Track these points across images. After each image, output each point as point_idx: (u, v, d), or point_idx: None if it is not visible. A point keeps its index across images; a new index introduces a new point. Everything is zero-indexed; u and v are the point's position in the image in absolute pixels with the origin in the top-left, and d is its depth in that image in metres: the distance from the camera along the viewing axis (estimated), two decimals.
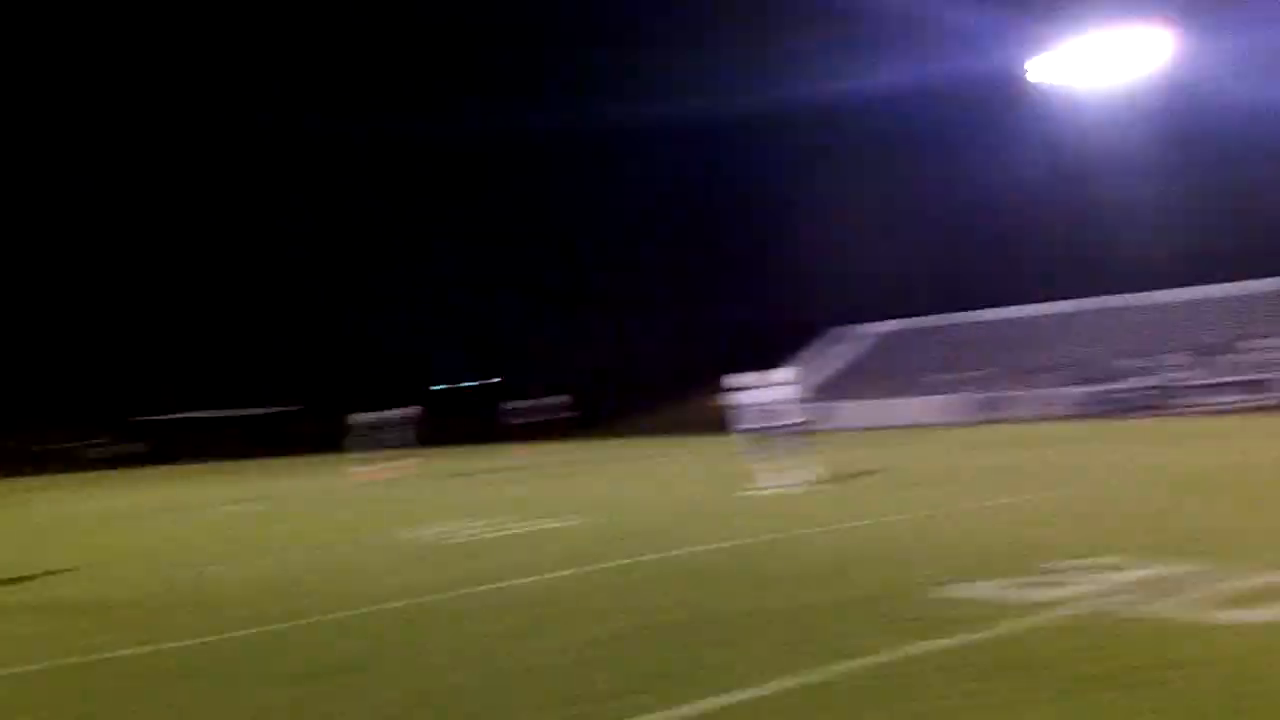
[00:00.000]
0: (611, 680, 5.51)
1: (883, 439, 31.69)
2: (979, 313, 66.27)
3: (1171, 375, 46.08)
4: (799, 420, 16.49)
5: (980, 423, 41.41)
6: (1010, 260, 63.00)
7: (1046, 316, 67.47)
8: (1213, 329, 55.81)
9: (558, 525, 13.22)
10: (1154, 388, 45.11)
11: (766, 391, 16.39)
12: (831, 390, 57.62)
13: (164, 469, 49.47)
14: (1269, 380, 38.59)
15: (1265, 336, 46.16)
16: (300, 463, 43.62)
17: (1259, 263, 56.53)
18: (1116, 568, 7.45)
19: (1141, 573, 7.20)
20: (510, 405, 47.03)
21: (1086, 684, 4.79)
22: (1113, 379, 50.40)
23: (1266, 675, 4.81)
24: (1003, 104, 58.01)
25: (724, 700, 4.93)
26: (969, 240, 63.35)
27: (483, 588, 8.85)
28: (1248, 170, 54.36)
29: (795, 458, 16.03)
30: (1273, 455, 16.55)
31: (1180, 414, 36.86)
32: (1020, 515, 11.21)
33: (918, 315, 64.36)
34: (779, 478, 15.80)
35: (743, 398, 16.54)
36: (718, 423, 17.55)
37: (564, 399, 47.75)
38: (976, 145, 61.30)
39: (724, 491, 16.16)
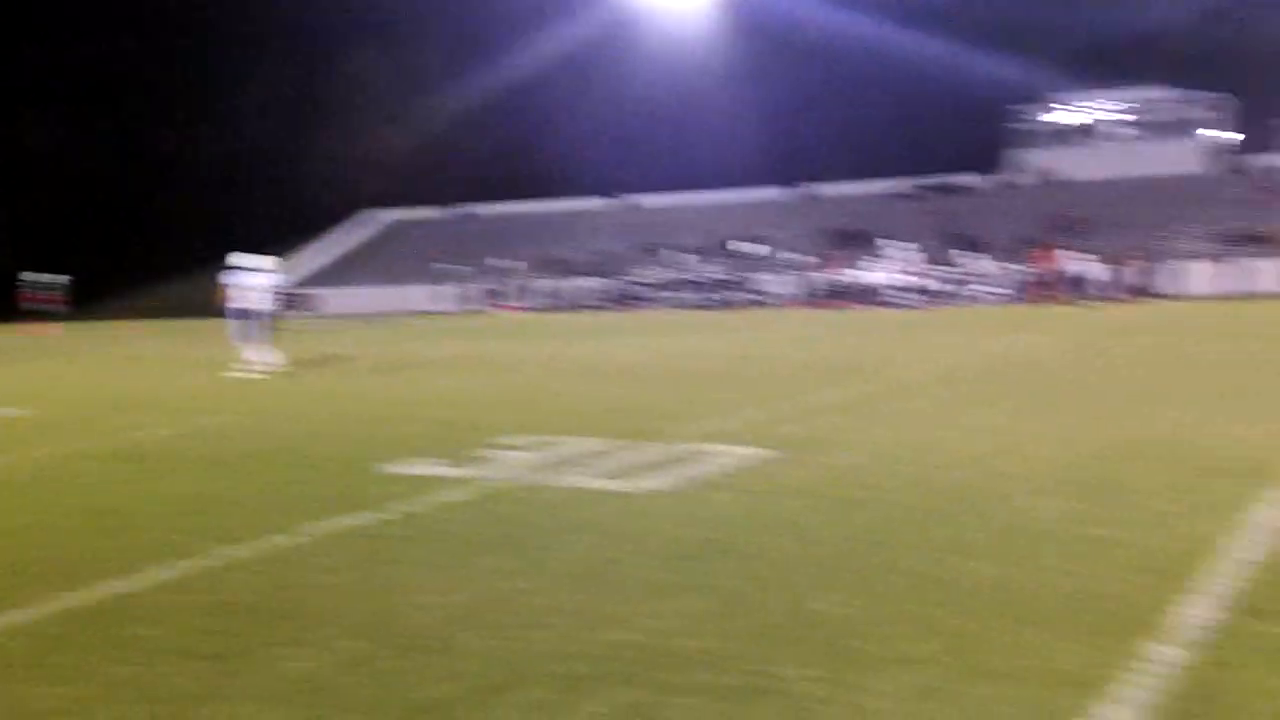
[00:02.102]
0: None
1: (369, 326, 32.97)
2: (503, 205, 70.12)
3: (670, 273, 50.77)
4: (277, 306, 17.63)
5: (482, 312, 43.90)
6: (533, 156, 66.57)
7: (570, 212, 72.31)
8: (714, 231, 62.06)
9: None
10: (660, 284, 49.75)
11: (253, 276, 17.27)
12: (339, 275, 58.20)
13: None
14: (738, 280, 43.37)
15: (756, 240, 51.85)
16: None
17: (778, 173, 63.93)
18: (541, 445, 8.32)
19: (560, 450, 8.13)
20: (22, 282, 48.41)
21: (477, 549, 5.36)
22: (624, 273, 54.97)
23: (634, 535, 5.59)
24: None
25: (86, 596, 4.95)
26: (496, 135, 66.13)
27: None
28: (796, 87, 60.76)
29: (269, 343, 16.95)
30: (723, 347, 18.81)
31: (675, 308, 40.54)
32: (471, 399, 12.24)
33: (441, 204, 66.98)
34: (252, 362, 16.75)
35: (232, 280, 17.34)
36: (214, 307, 17.99)
37: (66, 278, 49.65)
38: (510, 43, 63.73)
39: (196, 376, 16.99)
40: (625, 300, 49.16)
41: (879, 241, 44.26)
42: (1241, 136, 62.69)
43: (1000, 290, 39.95)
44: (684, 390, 11.87)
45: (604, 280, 55.57)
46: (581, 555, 5.30)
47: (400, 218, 71.30)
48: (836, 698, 3.53)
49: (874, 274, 38.36)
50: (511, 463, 7.74)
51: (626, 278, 52.97)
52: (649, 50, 72.72)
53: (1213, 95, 62.88)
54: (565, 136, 71.33)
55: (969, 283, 40.34)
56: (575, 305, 50.78)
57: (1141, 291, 39.93)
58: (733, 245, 50.77)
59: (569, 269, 61.98)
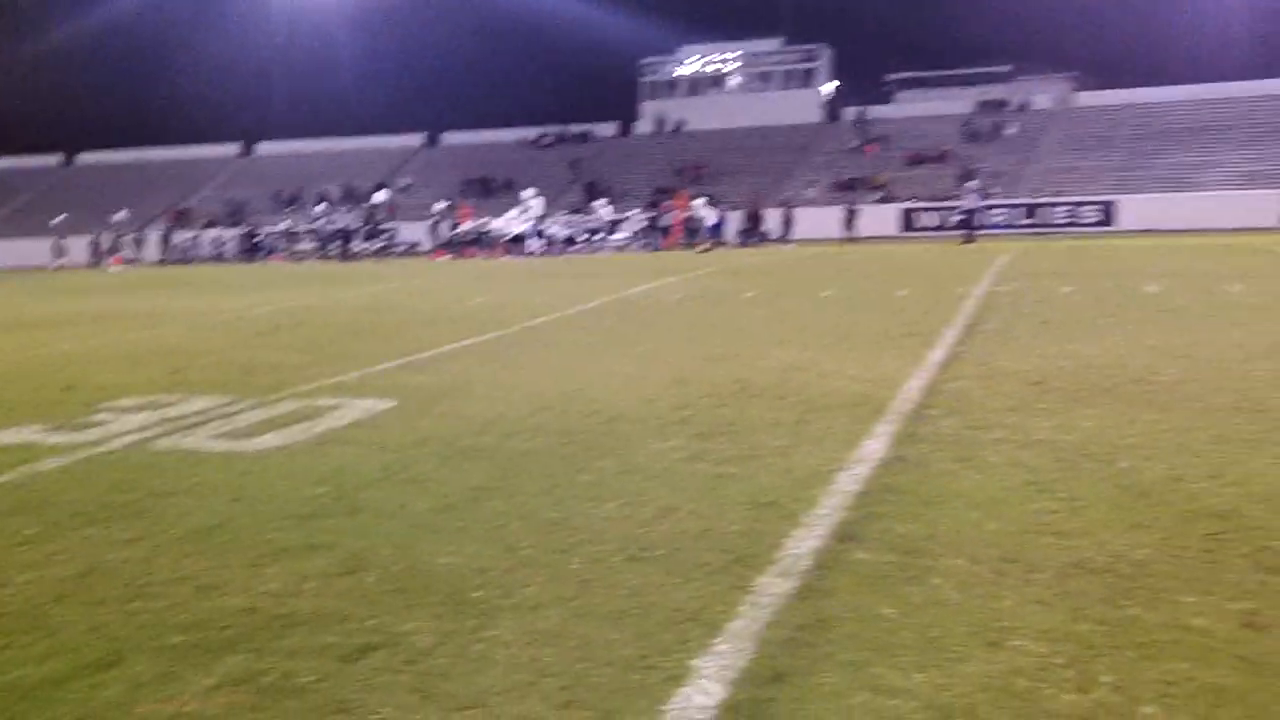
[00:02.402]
0: None
1: None
2: (122, 153, 66.23)
3: (302, 223, 49.30)
4: None
5: (100, 266, 41.38)
6: (155, 102, 63.24)
7: (197, 160, 69.04)
8: (349, 179, 60.95)
9: None
10: (292, 233, 48.26)
11: None
12: None
13: None
14: (372, 230, 42.67)
15: (391, 188, 51.19)
16: None
17: (413, 121, 63.08)
18: (155, 406, 7.81)
19: (176, 411, 7.65)
20: None
21: (79, 520, 4.95)
22: (255, 224, 53.03)
23: (250, 496, 5.33)
24: None
25: None
26: (109, 79, 62.41)
27: None
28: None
29: None
30: (355, 297, 18.41)
31: (307, 259, 39.34)
32: (82, 358, 11.28)
33: (49, 152, 62.56)
34: None
35: None
36: None
37: None
38: None
39: None
40: (255, 251, 47.24)
41: (516, 192, 44.39)
42: (836, 84, 66.93)
43: (632, 238, 40.96)
44: (312, 343, 11.47)
45: (233, 231, 53.33)
46: (193, 520, 4.98)
47: (5, 166, 65.93)
48: (448, 647, 3.45)
49: (510, 222, 38.40)
50: (122, 426, 7.20)
51: (257, 228, 50.95)
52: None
53: (815, 47, 66.64)
54: (191, 81, 67.79)
55: (604, 231, 41.14)
56: (202, 257, 48.39)
57: (763, 237, 41.98)
58: (371, 194, 49.67)
59: (196, 219, 59.28)
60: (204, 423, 7.25)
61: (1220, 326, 9.95)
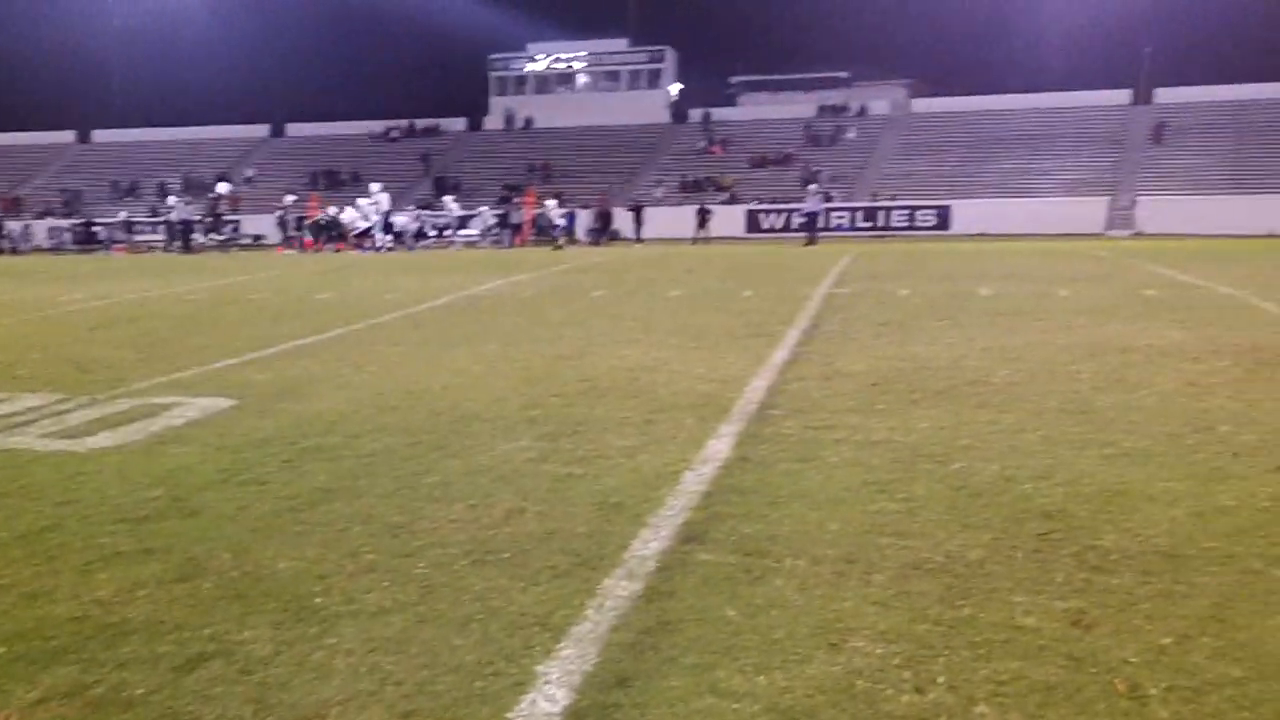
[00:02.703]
0: None
1: None
2: None
3: (141, 213, 47.84)
4: None
5: None
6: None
7: (29, 147, 66.26)
8: (192, 169, 59.34)
9: None
10: (130, 224, 46.83)
11: None
12: None
13: None
14: (215, 221, 41.51)
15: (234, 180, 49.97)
16: None
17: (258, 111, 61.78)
18: None
19: (9, 407, 7.37)
20: None
21: None
22: (90, 214, 51.20)
23: (81, 498, 5.12)
24: None
25: None
26: None
27: None
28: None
29: None
30: (195, 291, 17.89)
31: (146, 251, 38.10)
32: None
33: None
34: None
35: None
36: None
37: None
38: None
39: None
40: (90, 242, 45.49)
41: (364, 185, 43.68)
42: (680, 86, 67.58)
43: (482, 234, 40.68)
44: (149, 339, 11.08)
45: (67, 220, 51.36)
46: (20, 523, 4.76)
47: None
48: (287, 656, 3.36)
49: (357, 216, 37.72)
50: None
51: (92, 218, 49.11)
52: None
53: (660, 48, 67.16)
54: (24, 66, 65.14)
55: (453, 226, 40.76)
56: (32, 248, 46.37)
57: (613, 235, 42.08)
58: (213, 185, 48.32)
59: (29, 208, 56.94)
60: (34, 421, 6.95)
61: (1049, 330, 10.29)
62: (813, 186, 40.82)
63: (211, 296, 16.25)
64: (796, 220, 44.33)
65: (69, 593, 3.93)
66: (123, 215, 48.61)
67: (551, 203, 40.80)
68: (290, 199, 40.99)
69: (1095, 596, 3.71)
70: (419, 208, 42.95)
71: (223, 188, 39.48)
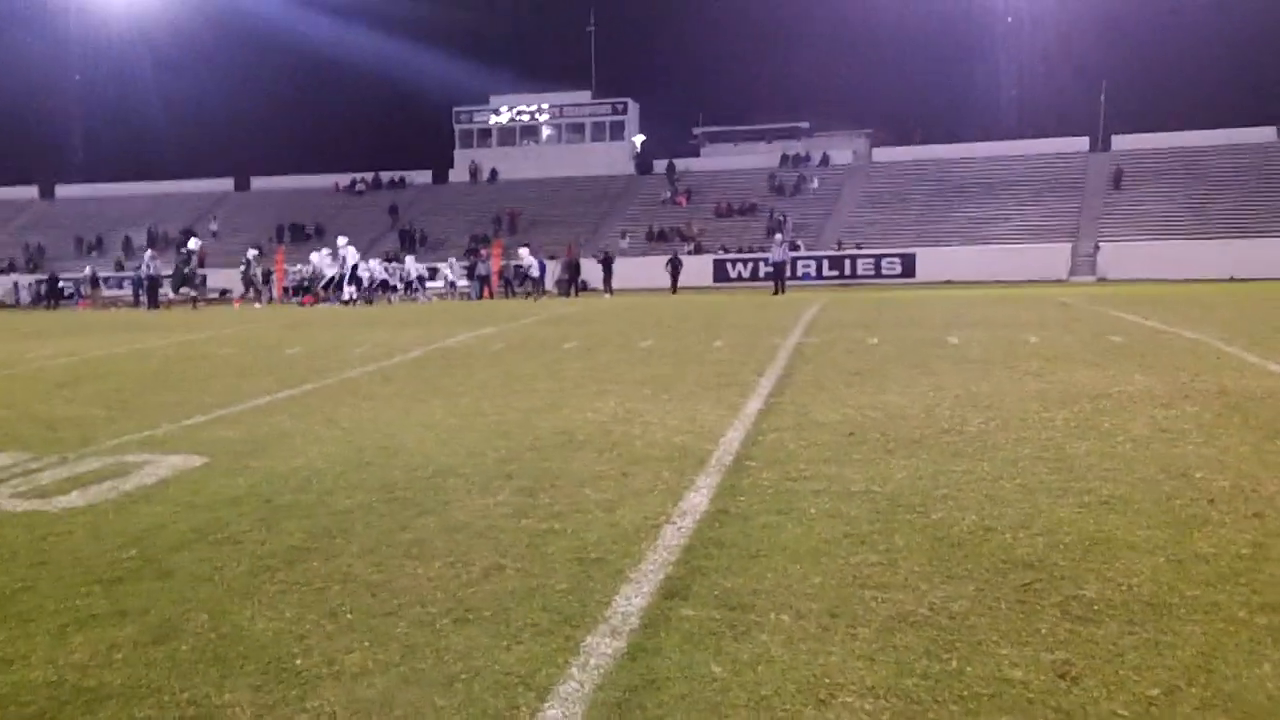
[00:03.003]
0: None
1: None
2: None
3: (106, 268, 47.56)
4: None
5: None
6: None
7: (2, 202, 65.97)
8: (157, 224, 59.09)
9: None
10: (94, 280, 46.54)
11: None
12: None
13: None
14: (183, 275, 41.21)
15: (197, 235, 49.81)
16: None
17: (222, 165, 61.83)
18: None
19: None
20: None
21: None
22: (53, 269, 50.78)
23: (50, 560, 5.04)
24: None
25: None
26: None
27: None
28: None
29: None
30: (163, 347, 17.76)
31: (111, 306, 37.81)
32: None
33: None
34: None
35: None
36: None
37: None
38: None
39: None
40: (54, 298, 45.08)
41: (330, 238, 43.64)
42: (642, 138, 68.06)
43: (448, 287, 40.66)
44: (118, 396, 10.95)
45: (29, 276, 50.99)
46: None
47: None
48: (268, 719, 3.31)
49: (325, 265, 37.61)
50: None
51: (56, 273, 48.73)
52: (81, 34, 67.49)
53: (623, 100, 67.67)
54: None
55: (423, 278, 40.72)
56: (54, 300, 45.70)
57: (582, 286, 42.16)
58: (181, 241, 48.08)
59: None
60: (4, 480, 6.86)
61: (1019, 376, 10.34)
62: (779, 236, 41.05)
63: (179, 352, 16.13)
64: (764, 270, 44.57)
65: (44, 657, 3.86)
66: (88, 270, 48.30)
67: (523, 250, 40.84)
68: (253, 253, 40.79)
69: (1081, 647, 3.70)
70: (385, 260, 42.89)
71: (193, 243, 39.14)
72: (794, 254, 43.51)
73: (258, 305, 35.94)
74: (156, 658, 3.83)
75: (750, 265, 48.76)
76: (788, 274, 38.19)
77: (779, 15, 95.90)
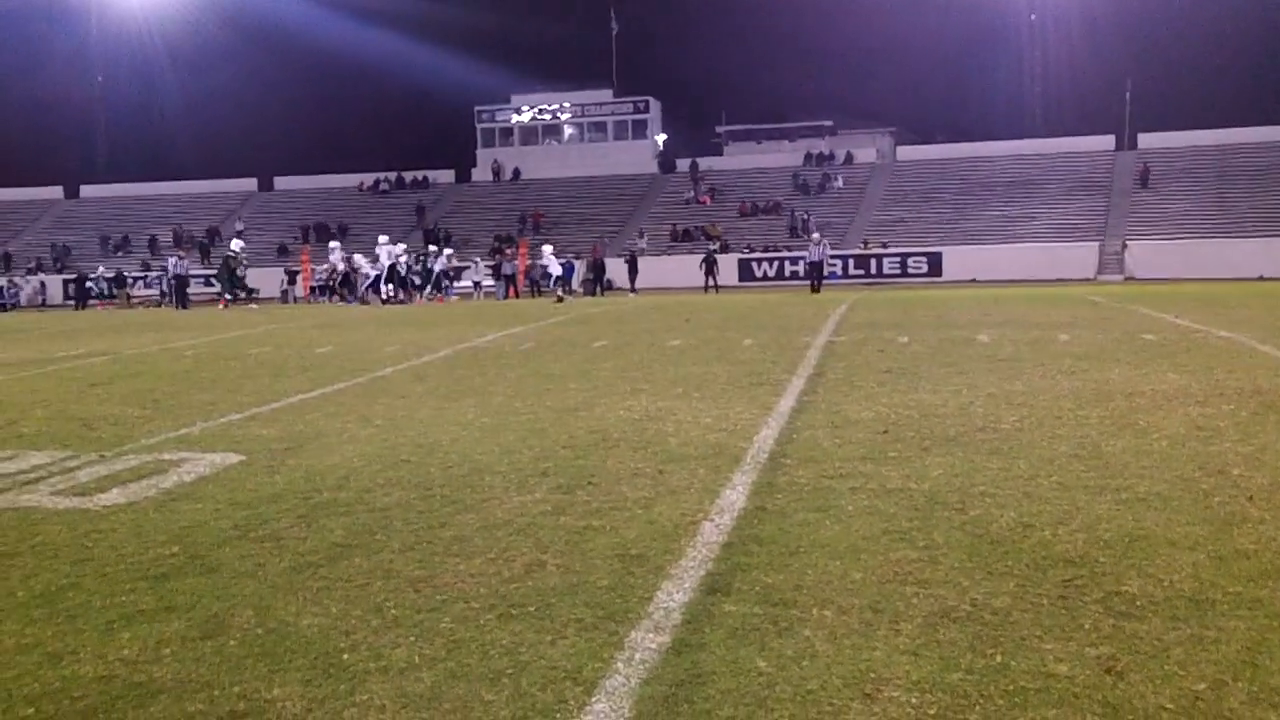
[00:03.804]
0: None
1: None
2: None
3: (135, 267, 47.80)
4: None
5: None
6: None
7: (14, 202, 66.39)
8: (185, 223, 59.46)
9: None
10: (122, 279, 46.77)
11: None
12: None
13: None
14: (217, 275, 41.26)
15: (223, 235, 49.92)
16: None
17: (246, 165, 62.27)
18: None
19: (9, 467, 7.31)
20: None
21: None
22: (82, 269, 51.10)
23: (97, 557, 5.09)
24: None
25: None
26: None
27: None
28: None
29: None
30: (197, 346, 17.87)
31: (140, 306, 38.00)
32: None
33: None
34: None
35: None
36: None
37: None
38: None
39: None
40: (83, 298, 45.39)
41: (354, 238, 43.74)
42: (664, 136, 68.04)
43: (475, 286, 40.74)
44: (152, 395, 11.04)
45: (58, 276, 51.36)
46: (37, 583, 4.75)
47: None
48: (319, 714, 3.35)
49: (354, 268, 37.70)
50: None
51: (84, 273, 49.07)
52: (103, 34, 67.99)
53: (645, 99, 67.64)
54: (10, 122, 65.74)
55: (451, 277, 40.76)
56: (22, 303, 46.33)
57: (608, 285, 42.19)
58: (223, 239, 48.22)
59: (14, 263, 57.04)
60: (43, 479, 6.94)
61: (1052, 375, 10.32)
62: (816, 235, 40.81)
63: (211, 351, 16.24)
64: (789, 269, 44.55)
65: (93, 652, 3.92)
66: (100, 270, 48.40)
67: (548, 248, 40.85)
68: (238, 245, 39.36)
69: (1125, 643, 3.71)
70: (416, 259, 42.85)
71: (236, 245, 38.40)
72: (831, 253, 43.05)
73: (254, 307, 35.21)
74: (205, 653, 3.88)
75: (776, 264, 48.72)
76: (825, 273, 37.90)
77: (801, 13, 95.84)
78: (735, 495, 5.90)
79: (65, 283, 49.59)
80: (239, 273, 36.54)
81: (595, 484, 6.28)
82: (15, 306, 46.77)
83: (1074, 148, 58.26)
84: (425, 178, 66.75)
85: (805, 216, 53.91)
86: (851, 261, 47.81)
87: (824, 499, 5.74)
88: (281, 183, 68.83)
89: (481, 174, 67.31)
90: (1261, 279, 38.13)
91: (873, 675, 3.50)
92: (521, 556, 4.87)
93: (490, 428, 8.36)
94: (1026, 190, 54.66)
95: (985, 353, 12.49)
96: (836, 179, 59.65)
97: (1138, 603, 4.08)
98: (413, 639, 3.93)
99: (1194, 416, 7.90)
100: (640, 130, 67.84)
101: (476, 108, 69.86)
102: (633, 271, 40.98)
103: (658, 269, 45.29)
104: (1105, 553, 4.67)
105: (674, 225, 55.95)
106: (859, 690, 3.39)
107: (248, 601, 4.40)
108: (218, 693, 3.53)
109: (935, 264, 47.26)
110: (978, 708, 3.26)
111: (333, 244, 39.85)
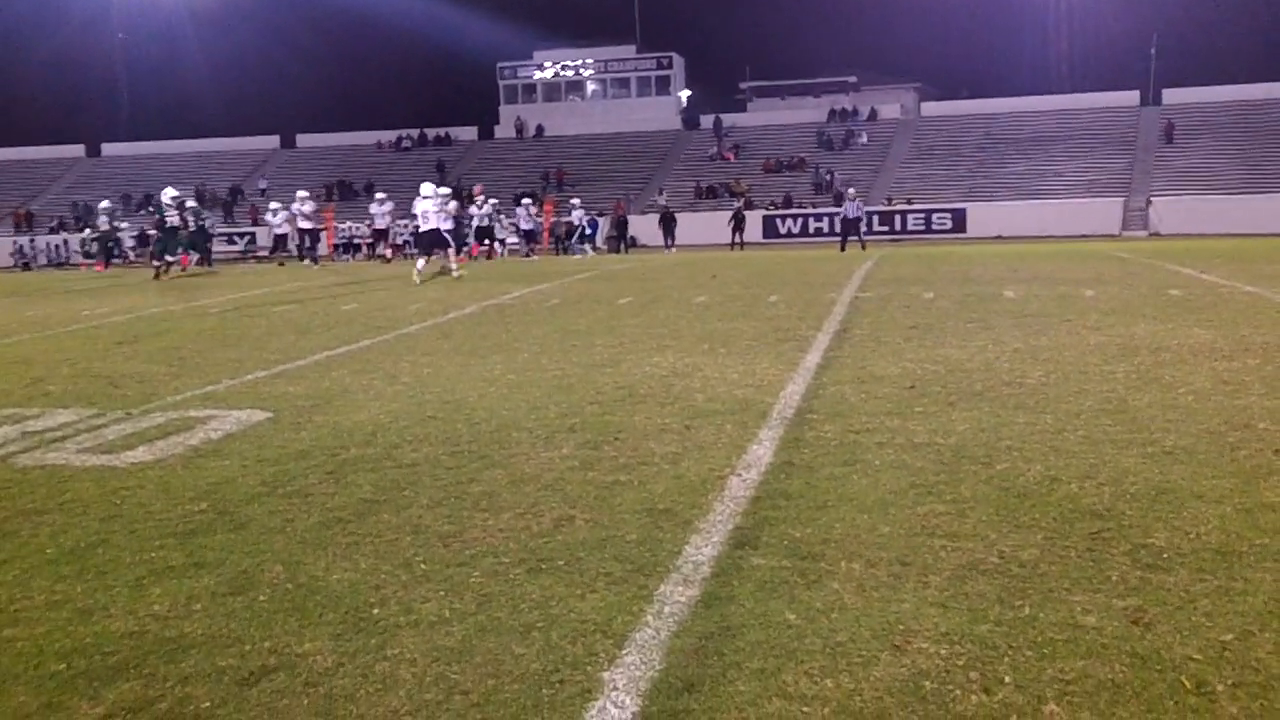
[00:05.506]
0: None
1: None
2: None
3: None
4: None
5: None
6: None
7: (38, 161, 66.52)
8: (205, 181, 59.42)
9: None
10: (146, 237, 46.73)
11: None
12: None
13: None
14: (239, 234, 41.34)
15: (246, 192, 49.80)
16: None
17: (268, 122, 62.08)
18: (14, 420, 7.51)
19: (37, 425, 7.35)
20: None
21: None
22: (93, 226, 51.03)
23: (127, 513, 5.12)
24: None
25: None
26: None
27: None
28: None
29: None
30: (220, 303, 17.92)
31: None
32: None
33: None
34: None
35: None
36: None
37: None
38: None
39: None
40: (110, 256, 45.39)
41: (376, 194, 43.58)
42: (688, 93, 67.57)
43: (502, 242, 40.63)
44: (177, 352, 11.10)
45: (81, 235, 51.40)
46: (67, 539, 4.78)
47: None
48: (351, 668, 3.38)
49: (381, 226, 37.59)
50: None
51: (106, 231, 49.04)
52: None
53: (668, 54, 67.16)
54: (32, 81, 65.71)
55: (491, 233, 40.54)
56: (45, 262, 46.48)
57: (632, 242, 42.10)
58: (234, 197, 48.20)
59: (38, 223, 57.23)
60: (70, 436, 6.98)
61: (1077, 330, 10.26)
62: (851, 190, 40.37)
63: (235, 309, 16.30)
64: (837, 224, 44.36)
65: (124, 608, 3.95)
66: (105, 223, 47.85)
67: (575, 201, 40.60)
68: (105, 204, 38.44)
69: (1152, 594, 3.70)
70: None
71: (308, 202, 35.56)
72: (866, 209, 42.54)
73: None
74: (235, 608, 3.91)
75: (800, 221, 48.50)
76: (863, 230, 37.50)
77: None
78: (762, 450, 5.89)
79: (88, 240, 49.53)
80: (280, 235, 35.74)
81: (622, 439, 6.28)
82: (64, 264, 46.65)
83: (1098, 103, 57.67)
84: (448, 134, 66.62)
85: (829, 175, 53.58)
86: (876, 218, 47.50)
87: (851, 454, 5.74)
88: (304, 140, 68.82)
89: (504, 131, 67.12)
90: None
91: (901, 627, 3.50)
92: (550, 511, 4.89)
93: (517, 384, 8.38)
94: (1051, 146, 54.20)
95: (1011, 308, 12.42)
96: (861, 135, 59.26)
97: (1165, 555, 4.07)
98: (442, 593, 3.95)
99: (1220, 371, 7.86)
100: (663, 86, 67.49)
101: (499, 64, 69.59)
102: (668, 229, 40.63)
103: (684, 225, 45.13)
104: (1132, 506, 4.66)
105: (698, 182, 55.74)
106: (888, 642, 3.40)
107: (277, 557, 4.43)
108: (248, 647, 3.56)
109: (959, 220, 46.97)
110: (1006, 659, 3.26)
111: (379, 194, 39.12)
